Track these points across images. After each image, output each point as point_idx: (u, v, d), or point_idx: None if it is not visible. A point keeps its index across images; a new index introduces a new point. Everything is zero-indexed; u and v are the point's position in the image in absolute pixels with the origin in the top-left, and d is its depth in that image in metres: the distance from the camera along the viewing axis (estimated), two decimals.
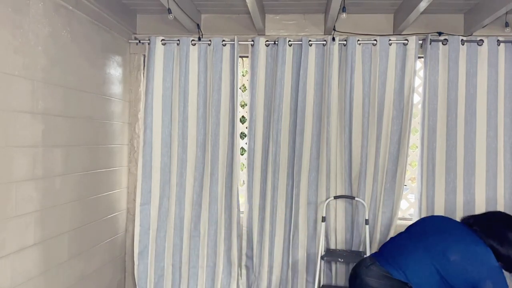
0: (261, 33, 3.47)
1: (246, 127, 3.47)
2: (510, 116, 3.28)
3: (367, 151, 3.31)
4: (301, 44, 3.33)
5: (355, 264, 2.69)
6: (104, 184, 3.15)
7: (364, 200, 3.28)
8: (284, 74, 3.36)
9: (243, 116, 3.73)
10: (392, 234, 3.31)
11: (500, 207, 3.27)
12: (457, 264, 2.32)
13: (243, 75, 3.99)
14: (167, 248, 3.47)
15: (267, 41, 3.40)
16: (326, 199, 3.33)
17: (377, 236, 3.32)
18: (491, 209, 3.28)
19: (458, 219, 3.30)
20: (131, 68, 3.57)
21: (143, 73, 3.55)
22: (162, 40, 3.41)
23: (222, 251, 3.44)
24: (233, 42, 3.37)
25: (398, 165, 3.29)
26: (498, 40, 3.26)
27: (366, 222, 3.26)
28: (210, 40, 3.41)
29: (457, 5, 3.24)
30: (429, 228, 2.54)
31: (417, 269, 2.38)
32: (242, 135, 3.77)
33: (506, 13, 3.05)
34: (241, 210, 3.46)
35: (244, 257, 3.48)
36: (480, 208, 3.28)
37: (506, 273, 2.48)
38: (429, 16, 3.37)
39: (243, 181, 3.52)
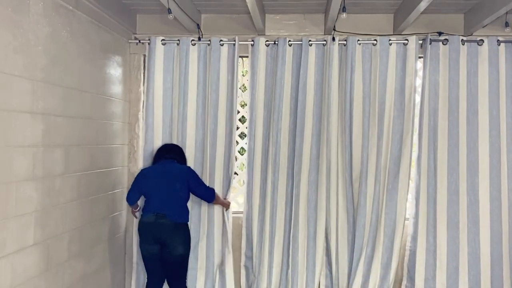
0: (261, 33, 3.47)
1: (246, 127, 3.47)
2: None
3: (368, 151, 3.30)
4: (301, 44, 3.33)
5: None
6: (104, 184, 3.15)
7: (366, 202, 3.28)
8: (284, 74, 3.35)
9: (243, 116, 3.72)
10: (399, 235, 3.28)
11: (505, 207, 3.26)
12: None
13: (243, 75, 3.98)
14: None
15: (267, 41, 3.40)
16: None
17: (381, 237, 3.30)
18: (496, 209, 3.26)
19: (462, 220, 3.28)
20: (131, 68, 3.57)
21: (143, 73, 3.55)
22: (162, 40, 3.41)
23: (222, 251, 3.43)
24: (233, 42, 3.37)
25: (401, 166, 3.27)
26: (498, 40, 3.26)
27: None
28: (210, 40, 3.41)
29: (457, 5, 3.24)
30: None
31: None
32: (242, 135, 3.76)
33: (506, 13, 3.05)
34: (240, 210, 3.46)
35: (243, 257, 3.48)
36: (484, 208, 3.26)
37: None
38: (429, 16, 3.37)
39: (243, 181, 3.52)
